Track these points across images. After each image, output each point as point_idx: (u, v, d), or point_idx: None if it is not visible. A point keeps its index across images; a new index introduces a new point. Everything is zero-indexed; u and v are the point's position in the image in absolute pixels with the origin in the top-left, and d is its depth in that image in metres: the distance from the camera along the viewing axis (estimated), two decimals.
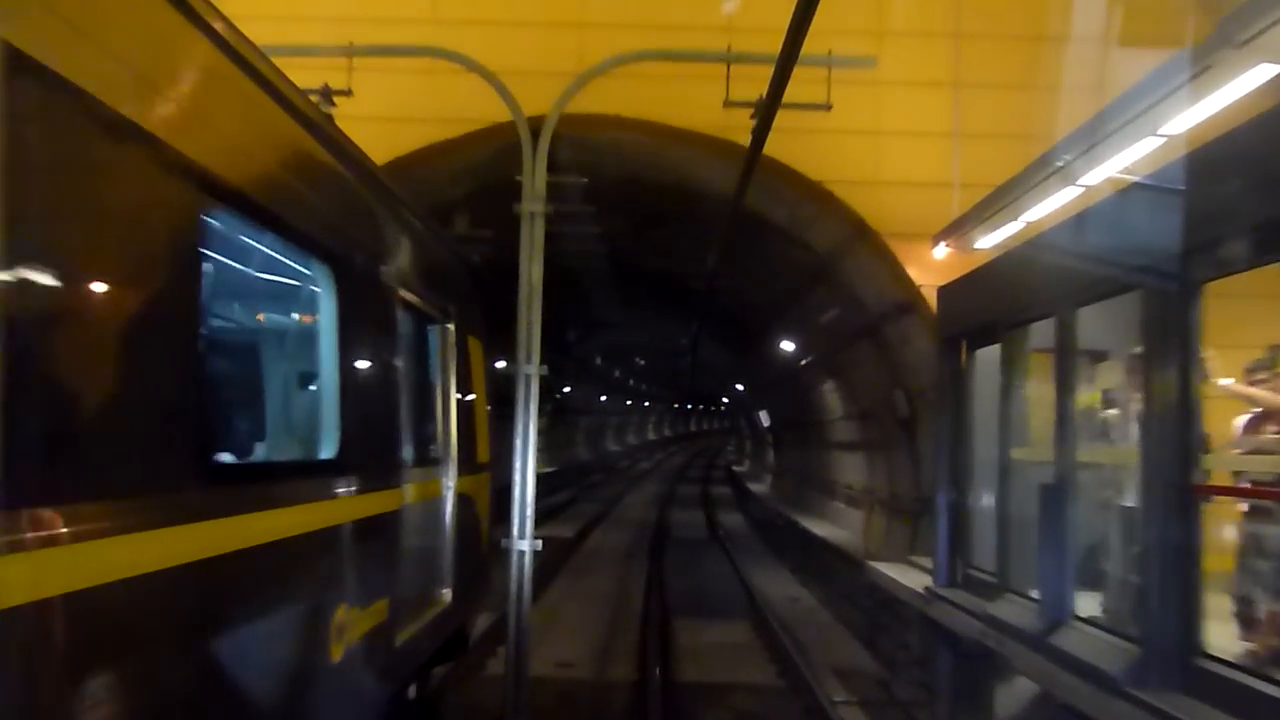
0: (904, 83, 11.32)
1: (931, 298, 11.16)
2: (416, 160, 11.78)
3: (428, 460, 6.49)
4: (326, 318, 4.30)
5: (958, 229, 10.34)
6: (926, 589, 9.12)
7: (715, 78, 10.54)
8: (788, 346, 19.69)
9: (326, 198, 4.50)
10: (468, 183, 13.51)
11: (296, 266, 4.14)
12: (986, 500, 8.64)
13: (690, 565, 20.76)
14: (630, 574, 19.44)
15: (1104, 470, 7.06)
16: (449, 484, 6.92)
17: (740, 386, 35.95)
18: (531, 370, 7.69)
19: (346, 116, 7.10)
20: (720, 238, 13.99)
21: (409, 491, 5.69)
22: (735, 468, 51.03)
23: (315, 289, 4.25)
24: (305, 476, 3.97)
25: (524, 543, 7.48)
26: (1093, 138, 7.26)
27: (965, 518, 8.68)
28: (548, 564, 18.84)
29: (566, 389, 42.31)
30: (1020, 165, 9.19)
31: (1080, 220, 6.34)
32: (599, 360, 41.44)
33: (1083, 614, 6.41)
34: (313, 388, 4.36)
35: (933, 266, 11.09)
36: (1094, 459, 6.70)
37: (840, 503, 20.32)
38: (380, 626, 5.03)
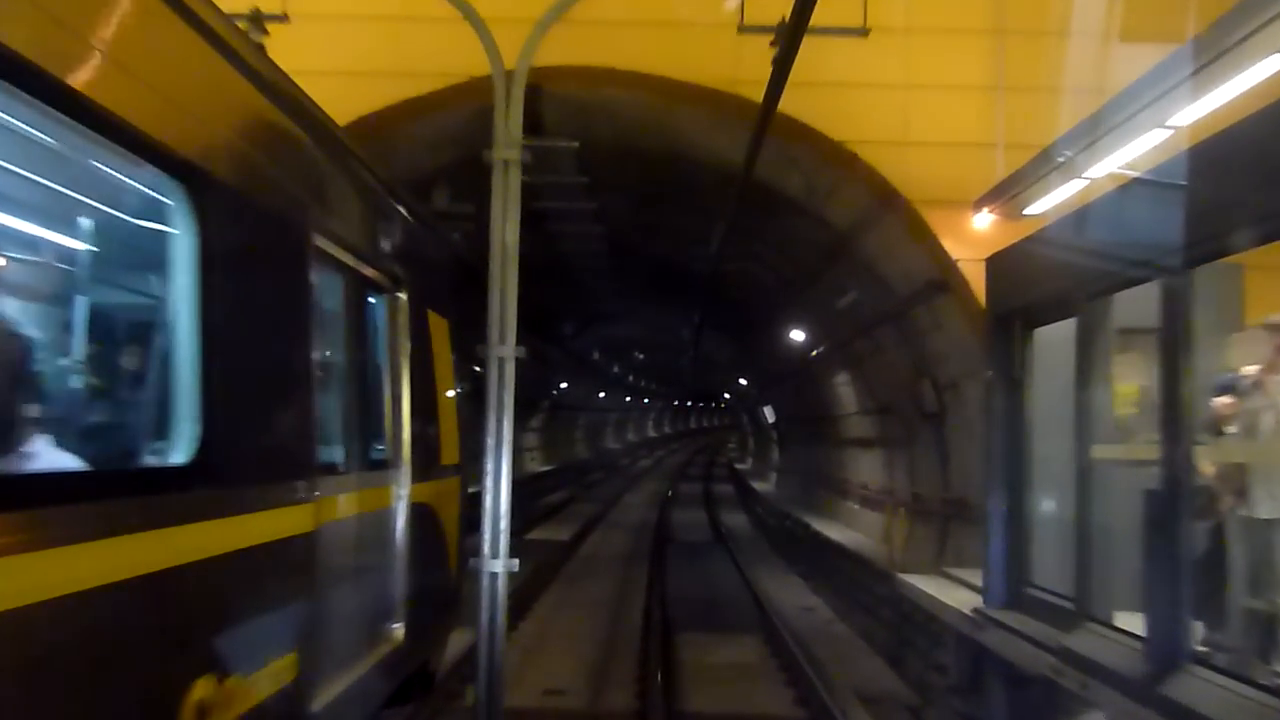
0: (938, 30, 9.97)
1: (971, 274, 9.80)
2: (385, 122, 10.40)
3: (368, 463, 5.14)
4: (180, 259, 2.94)
5: (1005, 192, 8.98)
6: (976, 611, 7.77)
7: (725, 25, 9.21)
8: (798, 336, 18.33)
9: (190, 94, 3.13)
10: (449, 150, 12.12)
11: (115, 175, 2.79)
12: (1053, 507, 7.31)
13: (694, 571, 19.43)
14: (629, 581, 18.11)
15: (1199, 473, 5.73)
16: (400, 493, 5.57)
17: (744, 381, 34.59)
18: (506, 353, 6.34)
19: (299, 71, 5.73)
20: (727, 214, 12.65)
21: (334, 505, 4.35)
22: (738, 465, 49.70)
23: (158, 218, 2.90)
24: (120, 493, 2.60)
25: (497, 563, 6.11)
26: (1189, 67, 5.93)
27: (1025, 527, 7.35)
28: (540, 570, 17.55)
29: (564, 384, 40.98)
30: (1072, 121, 7.88)
31: (1204, 155, 4.97)
32: (597, 355, 40.09)
33: None
34: (144, 360, 3.00)
35: (971, 238, 9.74)
36: (1228, 457, 5.32)
37: (854, 503, 18.97)
38: (284, 691, 3.69)
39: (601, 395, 54.19)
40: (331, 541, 4.19)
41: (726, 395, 53.96)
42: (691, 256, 16.66)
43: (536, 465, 42.31)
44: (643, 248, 19.32)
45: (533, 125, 10.99)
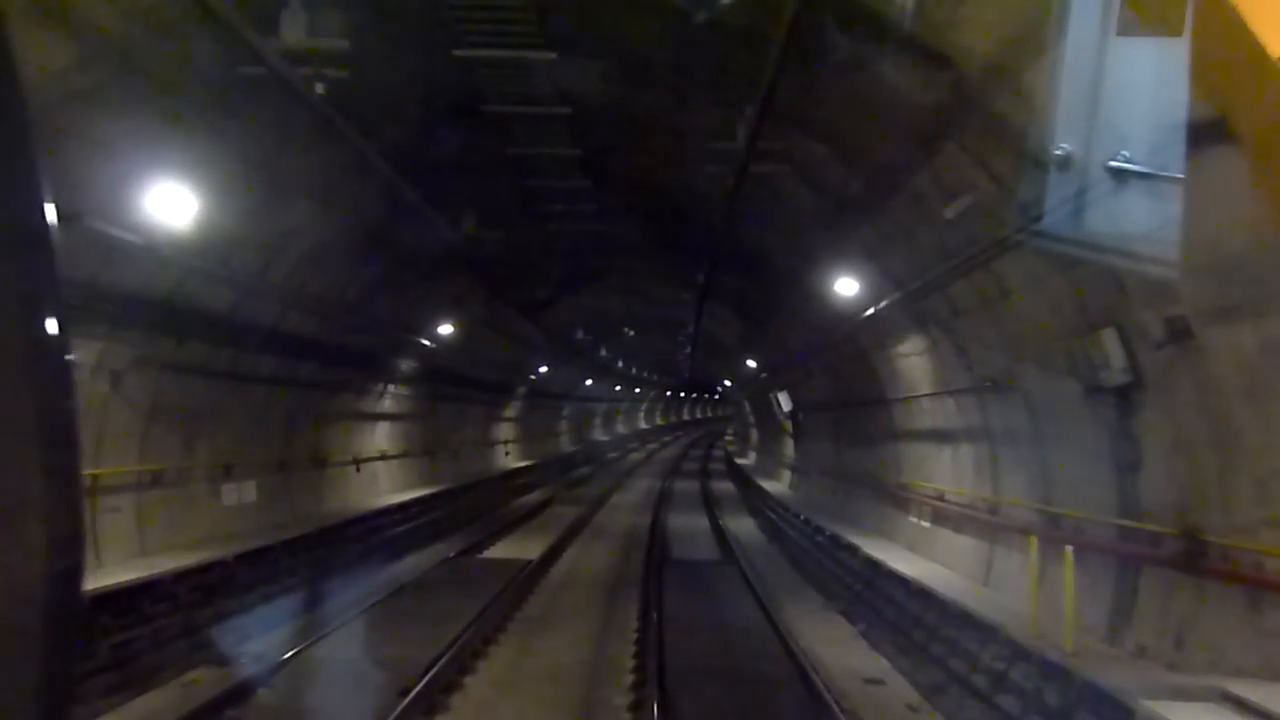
0: None
1: None
2: None
3: None
4: None
5: None
6: None
7: None
8: (846, 289, 13.20)
9: None
10: None
11: None
12: None
13: (701, 609, 14.30)
14: (613, 628, 13.06)
15: None
16: None
17: (751, 363, 29.50)
18: None
19: None
20: (765, 78, 7.59)
21: None
22: (738, 460, 44.62)
23: None
24: None
25: None
26: None
27: None
28: (489, 613, 12.49)
29: (543, 368, 35.86)
30: None
31: None
32: (581, 334, 34.96)
33: None
34: None
35: None
36: None
37: (919, 518, 13.92)
38: None
39: (588, 383, 49.09)
40: None
41: (727, 383, 48.84)
42: (705, 164, 11.53)
43: (513, 460, 37.22)
44: (630, 169, 14.18)
45: None
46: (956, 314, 10.56)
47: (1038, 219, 7.63)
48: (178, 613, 10.67)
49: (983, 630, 9.34)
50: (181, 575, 10.88)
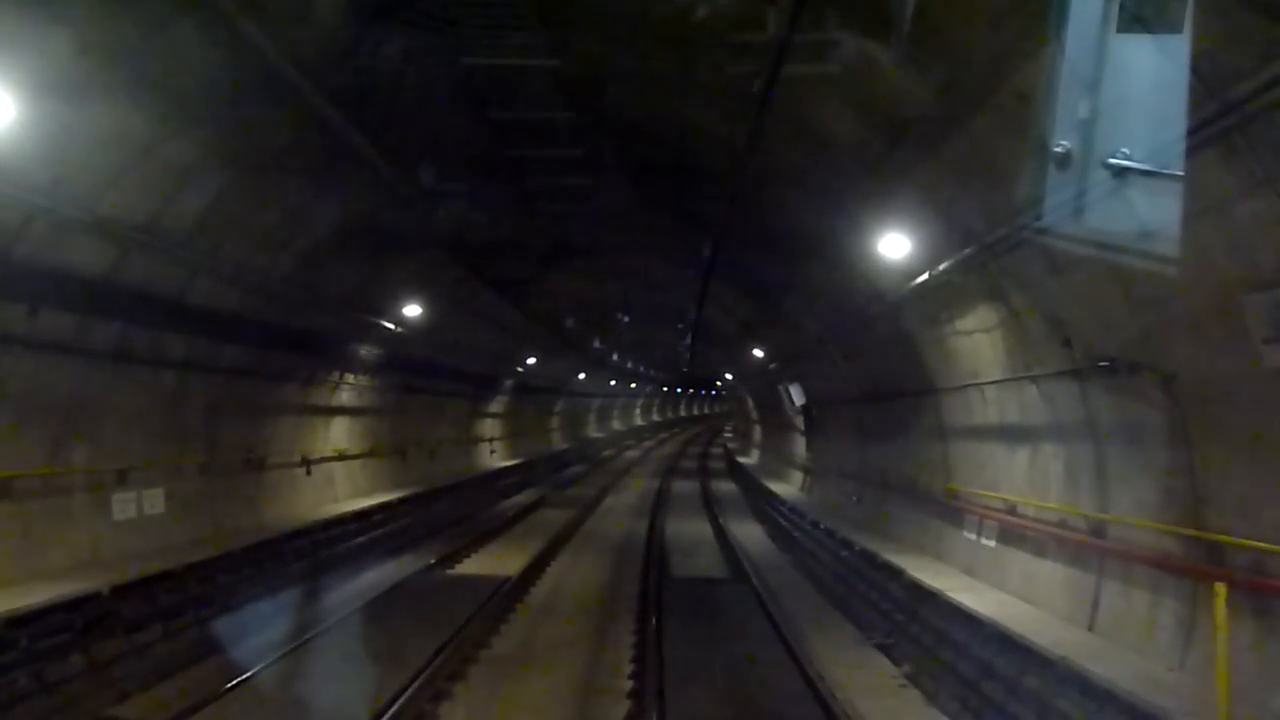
0: None
1: None
2: None
3: None
4: None
5: None
6: None
7: None
8: (893, 250, 10.53)
9: None
10: None
11: None
12: None
13: (709, 644, 11.58)
14: (600, 672, 10.43)
15: None
16: None
17: (759, 353, 26.87)
18: None
19: None
20: None
21: None
22: (741, 459, 41.97)
23: None
24: None
25: None
26: None
27: None
28: (449, 650, 9.88)
29: (531, 360, 33.25)
30: None
31: None
32: (572, 322, 32.34)
33: None
34: None
35: None
36: None
37: (981, 535, 11.30)
38: None
39: (580, 376, 46.48)
40: None
41: (728, 376, 46.23)
42: (710, 112, 8.89)
43: (501, 459, 34.58)
44: (622, 102, 11.53)
45: None
46: (1056, 270, 7.92)
47: (1232, 109, 5.05)
48: (19, 669, 8.03)
49: (1099, 697, 6.72)
50: (26, 618, 8.23)
